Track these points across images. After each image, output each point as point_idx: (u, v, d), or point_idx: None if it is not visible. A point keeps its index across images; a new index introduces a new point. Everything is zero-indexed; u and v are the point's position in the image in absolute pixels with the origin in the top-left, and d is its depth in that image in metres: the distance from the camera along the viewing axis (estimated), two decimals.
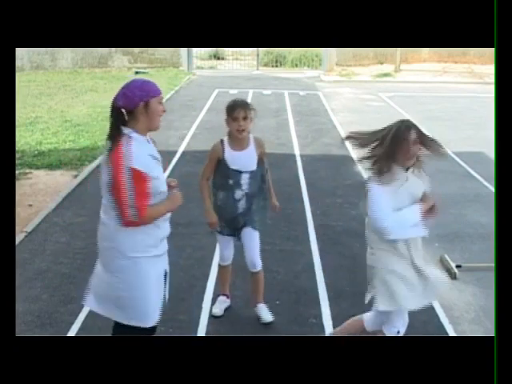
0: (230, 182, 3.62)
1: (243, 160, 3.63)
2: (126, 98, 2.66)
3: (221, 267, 4.02)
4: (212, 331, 3.73)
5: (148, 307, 2.77)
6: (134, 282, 2.73)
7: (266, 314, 3.86)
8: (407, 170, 2.97)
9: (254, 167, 3.65)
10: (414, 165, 2.98)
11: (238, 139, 3.61)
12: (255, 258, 3.77)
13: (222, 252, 3.93)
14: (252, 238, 3.75)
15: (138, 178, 2.59)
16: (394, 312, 3.09)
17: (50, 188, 6.53)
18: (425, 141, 2.93)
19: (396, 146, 2.88)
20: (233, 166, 3.61)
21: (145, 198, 2.64)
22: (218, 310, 3.95)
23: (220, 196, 3.73)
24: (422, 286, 3.05)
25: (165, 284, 2.89)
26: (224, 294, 4.05)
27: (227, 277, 4.03)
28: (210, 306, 4.05)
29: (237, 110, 3.53)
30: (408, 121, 3.01)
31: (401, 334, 3.14)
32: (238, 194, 3.65)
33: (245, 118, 3.54)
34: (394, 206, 2.91)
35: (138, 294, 2.73)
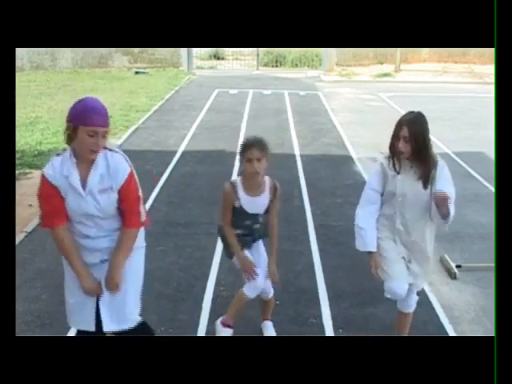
0: (248, 222, 3.43)
1: (257, 205, 3.41)
2: (68, 111, 2.68)
3: (243, 299, 3.54)
4: (212, 331, 3.73)
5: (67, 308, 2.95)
6: None
7: (270, 332, 3.72)
8: (416, 164, 3.12)
9: (265, 209, 3.45)
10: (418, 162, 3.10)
11: (251, 180, 3.34)
12: (268, 284, 3.57)
13: (256, 282, 3.47)
14: (262, 264, 3.54)
15: (45, 186, 2.69)
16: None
17: None
18: (417, 141, 3.04)
19: (392, 139, 3.12)
20: (249, 211, 3.40)
21: (46, 208, 2.73)
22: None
23: (238, 232, 3.49)
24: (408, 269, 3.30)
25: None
26: (229, 326, 3.61)
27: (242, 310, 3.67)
28: (210, 306, 4.05)
29: (250, 151, 3.23)
30: (408, 116, 3.11)
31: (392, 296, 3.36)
32: (256, 226, 3.47)
33: (259, 160, 3.23)
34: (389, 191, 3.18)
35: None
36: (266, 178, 3.43)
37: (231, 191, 3.37)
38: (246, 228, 3.47)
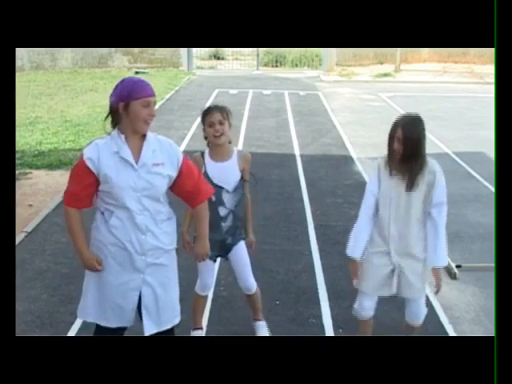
0: (213, 198, 3.23)
1: (225, 173, 3.34)
2: (111, 96, 2.69)
3: (199, 297, 3.60)
4: (212, 331, 3.72)
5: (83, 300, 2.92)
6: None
7: (263, 332, 3.67)
8: (404, 167, 3.10)
9: (234, 183, 3.35)
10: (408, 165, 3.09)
11: (217, 147, 3.34)
12: (249, 281, 3.55)
13: (204, 280, 3.54)
14: (243, 259, 3.51)
15: (80, 167, 2.69)
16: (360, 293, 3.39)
17: (50, 188, 6.53)
18: (411, 144, 3.04)
19: (388, 140, 3.12)
20: (214, 180, 3.30)
21: (72, 187, 2.73)
22: None
23: None
24: (393, 279, 3.24)
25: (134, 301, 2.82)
26: (199, 328, 3.69)
27: (204, 307, 3.73)
28: (210, 306, 4.05)
29: (211, 114, 3.28)
30: (403, 118, 3.11)
31: (358, 316, 3.43)
32: (223, 211, 3.38)
33: (221, 123, 3.26)
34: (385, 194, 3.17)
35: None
36: (235, 148, 3.45)
37: (199, 157, 3.38)
38: (212, 207, 3.16)
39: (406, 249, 3.20)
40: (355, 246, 3.28)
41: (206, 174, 3.31)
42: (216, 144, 3.33)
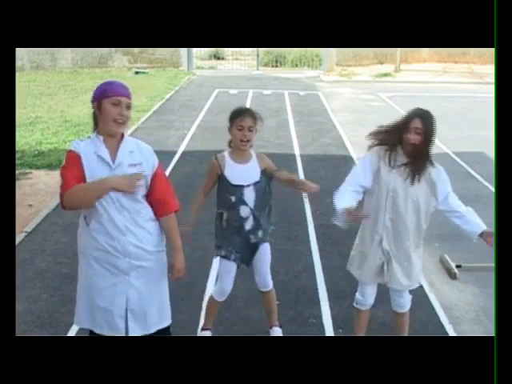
0: (233, 199, 3.29)
1: (245, 174, 3.31)
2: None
3: (214, 302, 3.57)
4: (212, 331, 3.72)
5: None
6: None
7: None
8: (410, 159, 3.12)
9: (257, 178, 3.33)
10: (418, 159, 3.11)
11: (240, 151, 3.33)
12: (267, 278, 3.55)
13: (224, 286, 3.46)
14: (265, 257, 3.49)
15: (70, 158, 2.67)
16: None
17: (50, 188, 6.53)
18: (427, 135, 3.08)
19: (399, 129, 3.12)
20: (233, 182, 3.29)
21: (67, 175, 2.66)
22: None
23: (225, 217, 3.38)
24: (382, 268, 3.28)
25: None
26: (207, 329, 3.67)
27: (217, 310, 3.66)
28: None
29: (242, 118, 3.24)
30: (421, 110, 3.17)
31: (358, 305, 3.47)
32: (244, 211, 3.32)
33: (251, 129, 3.25)
34: (382, 183, 3.17)
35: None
36: (252, 151, 3.42)
37: (216, 162, 3.34)
38: (233, 208, 3.30)
39: (398, 241, 3.22)
40: (339, 198, 3.21)
41: (223, 176, 3.30)
42: (240, 149, 3.32)
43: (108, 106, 2.65)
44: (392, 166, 3.15)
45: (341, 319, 3.96)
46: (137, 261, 2.76)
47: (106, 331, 2.81)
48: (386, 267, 3.25)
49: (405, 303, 3.46)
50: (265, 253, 3.50)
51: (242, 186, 3.29)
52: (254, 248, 3.44)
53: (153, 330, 2.87)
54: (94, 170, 2.66)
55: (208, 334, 3.66)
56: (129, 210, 2.71)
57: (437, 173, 3.18)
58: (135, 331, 2.80)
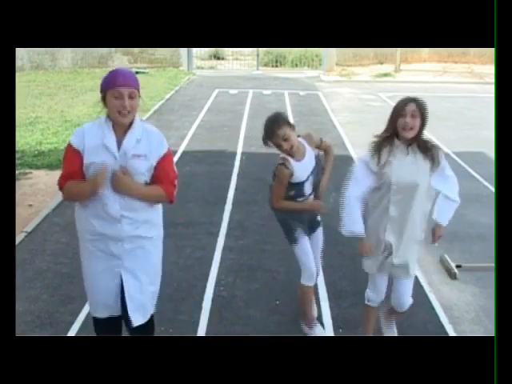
0: (291, 193, 3.46)
1: (307, 167, 3.45)
2: None
3: (307, 288, 3.66)
4: (212, 331, 3.73)
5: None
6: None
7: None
8: (409, 145, 3.11)
9: (313, 164, 3.48)
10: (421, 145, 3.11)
11: (295, 152, 3.41)
12: (319, 262, 3.74)
13: (309, 267, 3.58)
14: (320, 243, 3.72)
15: (68, 152, 2.70)
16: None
17: (50, 188, 6.52)
18: (423, 118, 3.08)
19: (394, 118, 3.10)
20: (296, 180, 3.42)
21: (66, 169, 2.71)
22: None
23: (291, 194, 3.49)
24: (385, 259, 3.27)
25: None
26: (315, 324, 3.76)
27: (313, 297, 3.78)
28: (210, 306, 4.05)
29: (281, 128, 3.33)
30: (413, 97, 3.18)
31: (370, 302, 3.44)
32: (301, 200, 3.49)
33: (286, 139, 3.33)
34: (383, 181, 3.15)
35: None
36: (300, 139, 3.48)
37: (285, 171, 3.39)
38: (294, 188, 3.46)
39: (403, 229, 3.20)
40: (351, 220, 3.22)
41: (291, 183, 3.41)
42: (291, 155, 3.40)
43: (110, 98, 2.66)
44: (393, 155, 3.12)
45: (341, 319, 3.96)
46: (131, 246, 2.80)
47: (104, 313, 2.91)
48: (390, 256, 3.25)
49: (406, 304, 3.43)
50: (319, 238, 3.66)
51: (303, 182, 3.45)
52: (316, 226, 3.64)
53: (149, 316, 2.93)
54: (99, 158, 2.66)
55: (319, 328, 3.73)
56: (125, 198, 2.72)
57: (437, 152, 3.16)
58: (136, 320, 2.85)
